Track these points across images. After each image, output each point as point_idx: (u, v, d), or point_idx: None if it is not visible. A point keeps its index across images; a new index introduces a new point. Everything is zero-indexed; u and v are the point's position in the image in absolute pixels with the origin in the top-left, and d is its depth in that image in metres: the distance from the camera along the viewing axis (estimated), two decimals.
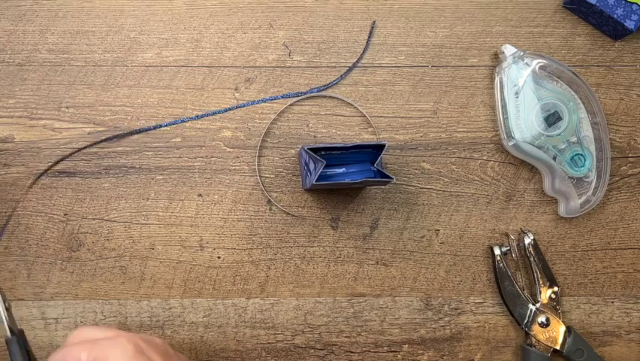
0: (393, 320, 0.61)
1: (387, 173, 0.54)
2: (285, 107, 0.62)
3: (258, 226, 0.61)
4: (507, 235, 0.61)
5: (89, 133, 0.61)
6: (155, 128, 0.57)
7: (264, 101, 0.61)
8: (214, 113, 0.60)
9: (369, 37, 0.62)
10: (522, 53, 0.60)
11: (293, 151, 0.62)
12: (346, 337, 0.61)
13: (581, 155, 0.60)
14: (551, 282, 0.60)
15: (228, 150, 0.61)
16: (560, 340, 0.60)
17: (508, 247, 0.61)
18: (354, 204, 0.61)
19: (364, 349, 0.61)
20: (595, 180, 0.61)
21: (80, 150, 0.60)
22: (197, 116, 0.59)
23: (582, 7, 0.62)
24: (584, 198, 0.61)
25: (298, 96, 0.60)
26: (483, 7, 0.63)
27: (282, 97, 0.62)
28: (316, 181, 0.54)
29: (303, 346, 0.60)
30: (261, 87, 0.62)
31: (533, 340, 0.60)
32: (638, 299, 0.62)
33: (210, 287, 0.60)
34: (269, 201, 0.61)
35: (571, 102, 0.59)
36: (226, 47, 0.62)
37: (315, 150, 0.56)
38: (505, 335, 0.61)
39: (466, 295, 0.61)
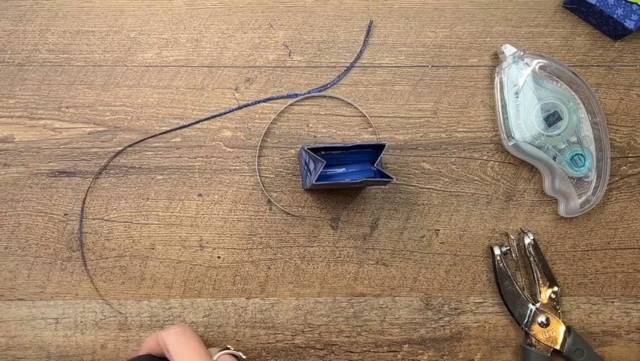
0: (393, 319, 0.61)
1: (387, 173, 0.54)
2: (285, 107, 0.62)
3: (258, 225, 0.61)
4: (507, 234, 0.61)
5: (89, 133, 0.61)
6: (191, 125, 0.58)
7: (264, 101, 0.61)
8: (219, 115, 0.60)
9: (366, 36, 0.62)
10: (522, 53, 0.60)
11: (293, 151, 0.62)
12: (346, 337, 0.61)
13: (581, 155, 0.60)
14: (551, 282, 0.60)
15: (228, 150, 0.61)
16: (560, 340, 0.60)
17: (508, 247, 0.61)
18: (354, 204, 0.61)
19: (364, 349, 0.61)
20: (595, 180, 0.61)
21: (118, 153, 0.60)
22: (209, 117, 0.58)
23: (582, 7, 0.62)
24: (583, 198, 0.61)
25: (298, 97, 0.60)
26: (483, 7, 0.63)
27: (281, 97, 0.62)
28: (316, 181, 0.54)
29: (303, 346, 0.60)
30: (261, 87, 0.62)
31: (533, 340, 0.60)
32: (638, 299, 0.62)
33: (210, 287, 0.60)
34: (269, 201, 0.61)
35: (571, 102, 0.59)
36: (226, 47, 0.62)
37: (315, 150, 0.56)
38: (505, 334, 0.61)
39: (466, 295, 0.61)
